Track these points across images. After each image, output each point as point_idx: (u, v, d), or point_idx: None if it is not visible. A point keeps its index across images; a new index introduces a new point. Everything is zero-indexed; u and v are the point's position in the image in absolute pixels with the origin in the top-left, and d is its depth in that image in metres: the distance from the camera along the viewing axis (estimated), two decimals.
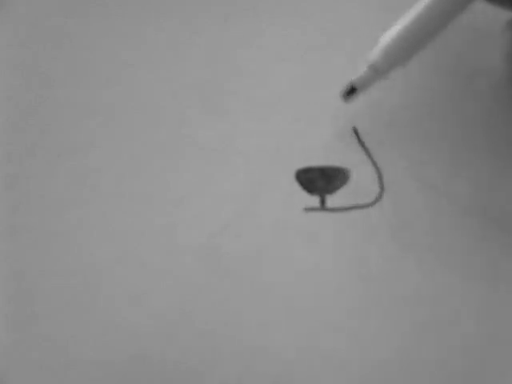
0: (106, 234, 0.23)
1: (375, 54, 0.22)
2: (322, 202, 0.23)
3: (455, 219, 0.23)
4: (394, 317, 0.21)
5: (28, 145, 0.24)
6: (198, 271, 0.22)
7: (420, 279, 0.22)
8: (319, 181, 0.23)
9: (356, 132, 0.24)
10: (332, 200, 0.23)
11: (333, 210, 0.23)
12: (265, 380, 0.21)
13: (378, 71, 0.22)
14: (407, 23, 0.21)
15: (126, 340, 0.21)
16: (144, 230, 0.23)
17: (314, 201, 0.23)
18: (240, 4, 0.26)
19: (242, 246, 0.22)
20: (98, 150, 0.24)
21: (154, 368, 0.21)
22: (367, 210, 0.23)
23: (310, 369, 0.21)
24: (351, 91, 0.23)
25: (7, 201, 0.24)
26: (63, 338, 0.21)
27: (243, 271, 0.22)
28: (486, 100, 0.24)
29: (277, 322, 0.21)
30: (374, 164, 0.24)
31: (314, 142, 0.24)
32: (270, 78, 0.25)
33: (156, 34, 0.26)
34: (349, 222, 0.23)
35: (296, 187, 0.23)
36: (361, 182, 0.23)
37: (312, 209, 0.23)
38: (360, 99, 0.23)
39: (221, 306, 0.22)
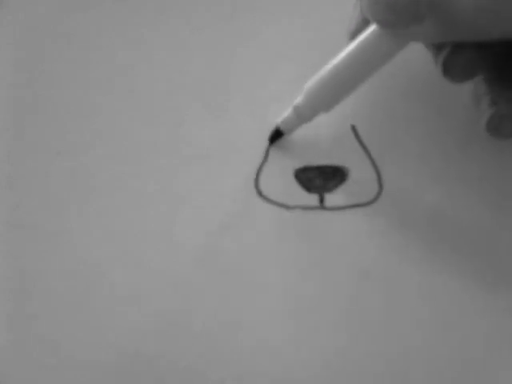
0: (105, 233, 0.23)
1: (299, 98, 0.22)
2: (321, 200, 0.23)
3: (455, 218, 0.23)
4: (393, 316, 0.21)
5: (28, 145, 0.25)
6: (196, 271, 0.22)
7: (419, 278, 0.22)
8: (318, 179, 0.23)
9: (354, 130, 0.24)
10: (331, 199, 0.23)
11: (332, 208, 0.23)
12: (264, 380, 0.21)
13: (301, 116, 0.22)
14: (331, 70, 0.21)
15: (125, 340, 0.21)
16: (143, 230, 0.23)
17: (313, 199, 0.23)
18: (240, 3, 0.26)
19: (240, 245, 0.22)
20: (97, 150, 0.24)
21: (153, 368, 0.21)
22: (366, 209, 0.23)
23: (310, 369, 0.21)
24: (277, 134, 0.23)
25: (7, 201, 0.24)
26: (62, 337, 0.21)
27: (242, 270, 0.22)
28: None
29: (276, 322, 0.21)
30: (373, 162, 0.24)
31: (312, 141, 0.24)
32: (270, 77, 0.25)
33: (155, 34, 0.26)
34: (348, 221, 0.23)
35: (295, 186, 0.23)
36: (359, 181, 0.23)
37: (311, 207, 0.23)
38: (358, 98, 0.23)
39: (220, 306, 0.22)
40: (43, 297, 0.22)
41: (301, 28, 0.26)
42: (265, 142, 0.24)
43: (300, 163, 0.24)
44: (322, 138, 0.24)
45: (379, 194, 0.23)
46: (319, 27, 0.26)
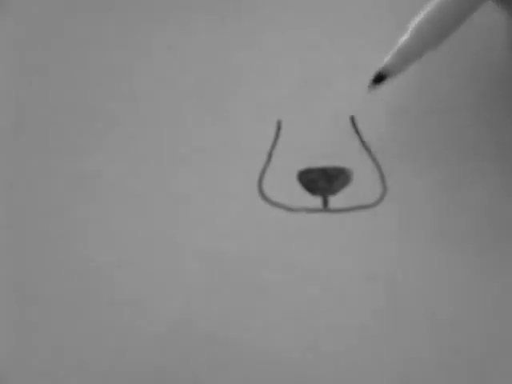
0: (106, 236, 0.23)
1: (404, 38, 0.21)
2: (325, 202, 0.23)
3: (459, 219, 0.23)
4: (398, 317, 0.21)
5: (29, 146, 0.24)
6: (199, 273, 0.22)
7: (424, 279, 0.22)
8: (321, 181, 0.23)
9: (358, 132, 0.24)
10: (334, 201, 0.23)
11: (335, 210, 0.23)
12: (269, 381, 0.21)
13: (409, 54, 0.21)
14: (438, 3, 0.20)
15: (128, 344, 0.21)
16: (145, 232, 0.23)
17: (317, 201, 0.23)
18: (239, 3, 0.26)
19: (244, 247, 0.22)
20: (98, 151, 0.24)
21: (156, 372, 0.21)
22: (370, 211, 0.23)
23: (314, 371, 0.21)
24: (379, 79, 0.21)
25: (7, 202, 0.24)
26: (64, 341, 0.21)
27: (245, 273, 0.22)
28: (489, 97, 0.24)
29: (281, 325, 0.21)
30: (377, 164, 0.23)
31: (316, 143, 0.24)
32: (270, 77, 0.25)
33: (156, 34, 0.26)
34: (352, 223, 0.23)
35: (298, 188, 0.23)
36: (363, 183, 0.23)
37: (314, 210, 0.23)
38: (362, 99, 0.23)
39: (224, 309, 0.22)
40: (44, 300, 0.22)
41: (301, 28, 0.26)
42: (268, 143, 0.24)
43: (303, 165, 0.24)
44: (325, 140, 0.24)
45: (383, 196, 0.23)
46: (319, 26, 0.26)
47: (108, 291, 0.22)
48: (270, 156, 0.24)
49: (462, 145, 0.24)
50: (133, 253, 0.22)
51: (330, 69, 0.25)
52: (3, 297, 0.22)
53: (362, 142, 0.24)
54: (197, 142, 0.24)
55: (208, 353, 0.21)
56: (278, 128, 0.24)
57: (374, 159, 0.23)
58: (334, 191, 0.23)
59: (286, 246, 0.22)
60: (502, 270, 0.22)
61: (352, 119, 0.24)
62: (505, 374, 0.21)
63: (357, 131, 0.24)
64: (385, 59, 0.21)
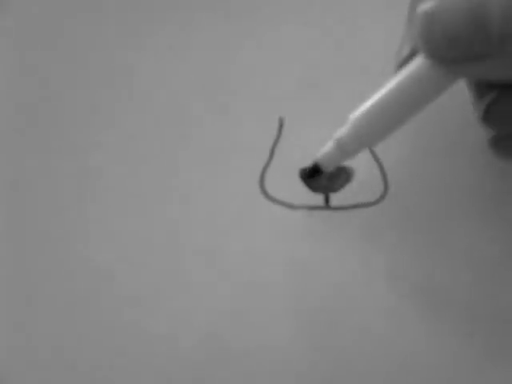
0: (107, 234, 0.23)
1: (342, 131, 0.19)
2: (326, 200, 0.23)
3: (460, 218, 0.23)
4: (397, 315, 0.21)
5: (28, 145, 0.24)
6: (201, 270, 0.22)
7: (425, 277, 0.22)
8: (323, 179, 0.23)
9: None
10: (336, 198, 0.23)
11: (337, 208, 0.23)
12: (270, 380, 0.21)
13: (345, 151, 0.20)
14: (379, 102, 0.18)
15: (128, 341, 0.21)
16: (147, 230, 0.23)
17: (318, 199, 0.23)
18: (242, 2, 0.26)
19: (246, 244, 0.23)
20: (99, 150, 0.24)
21: (156, 369, 0.21)
22: (371, 209, 0.23)
23: (314, 368, 0.21)
24: (315, 171, 0.20)
25: (8, 201, 0.24)
26: (64, 338, 0.21)
27: (247, 270, 0.22)
28: None
29: (282, 321, 0.22)
30: (378, 162, 0.23)
31: (318, 140, 0.24)
32: (272, 76, 0.25)
33: (157, 33, 0.26)
34: (353, 221, 0.23)
35: (300, 186, 0.23)
36: (365, 181, 0.23)
37: (316, 207, 0.23)
38: (363, 97, 0.23)
39: (224, 306, 0.22)
40: (44, 297, 0.22)
41: (302, 27, 0.26)
42: (270, 140, 0.24)
43: (305, 162, 0.24)
44: (327, 137, 0.24)
45: (384, 193, 0.23)
46: (320, 26, 0.26)
47: (108, 290, 0.22)
48: (272, 154, 0.24)
49: (464, 145, 0.24)
50: (133, 251, 0.23)
51: (333, 67, 0.25)
52: (3, 296, 0.22)
53: None
54: (199, 140, 0.24)
55: (209, 349, 0.21)
56: (280, 126, 0.24)
57: (375, 157, 0.23)
58: (335, 189, 0.23)
59: (288, 243, 0.23)
60: (505, 267, 0.22)
61: None
62: (505, 373, 0.21)
63: None
64: (321, 150, 0.20)
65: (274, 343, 0.21)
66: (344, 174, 0.23)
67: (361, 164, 0.23)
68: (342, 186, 0.23)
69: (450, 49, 0.15)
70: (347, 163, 0.23)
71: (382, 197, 0.23)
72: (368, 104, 0.19)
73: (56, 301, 0.22)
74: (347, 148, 0.19)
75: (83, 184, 0.24)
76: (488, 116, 0.18)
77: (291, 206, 0.23)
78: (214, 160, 0.24)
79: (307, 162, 0.24)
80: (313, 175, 0.21)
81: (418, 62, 0.17)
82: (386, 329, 0.21)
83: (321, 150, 0.20)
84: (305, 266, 0.22)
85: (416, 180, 0.23)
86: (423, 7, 0.16)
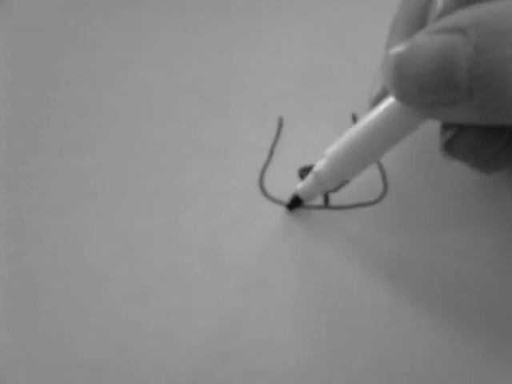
0: (107, 232, 0.23)
1: (320, 165, 0.21)
2: (326, 199, 0.23)
3: (459, 217, 0.23)
4: (398, 315, 0.21)
5: (28, 144, 0.24)
6: (200, 269, 0.22)
7: (424, 276, 0.22)
8: None
9: (355, 119, 0.24)
10: (336, 198, 0.23)
11: (336, 207, 0.23)
12: (269, 379, 0.21)
13: (323, 184, 0.21)
14: (354, 139, 0.19)
15: (128, 339, 0.21)
16: (146, 229, 0.23)
17: (318, 198, 0.23)
18: (242, 2, 0.26)
19: (245, 244, 0.22)
20: (98, 149, 0.24)
21: (156, 367, 0.21)
22: (371, 208, 0.23)
23: (314, 367, 0.21)
24: (296, 202, 0.22)
25: (8, 200, 0.23)
26: (64, 337, 0.21)
27: (246, 269, 0.22)
28: None
29: (280, 320, 0.21)
30: (378, 162, 0.23)
31: (317, 140, 0.24)
32: (272, 75, 0.25)
33: (156, 32, 0.26)
34: (353, 220, 0.23)
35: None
36: (364, 181, 0.23)
37: (315, 206, 0.23)
38: (363, 97, 0.23)
39: (223, 305, 0.22)
40: (44, 296, 0.22)
41: (301, 26, 0.26)
42: (270, 140, 0.24)
43: (305, 162, 0.24)
44: (326, 137, 0.24)
45: (384, 193, 0.23)
46: (320, 24, 0.26)
47: (108, 288, 0.22)
48: (271, 153, 0.24)
49: None
50: (134, 248, 0.22)
51: (332, 66, 0.25)
52: (2, 296, 0.22)
53: None
54: (198, 138, 0.24)
55: (208, 348, 0.21)
56: (280, 125, 0.24)
57: None
58: (334, 189, 0.23)
59: (287, 242, 0.22)
60: (504, 265, 0.22)
61: (353, 116, 0.24)
62: (505, 373, 0.21)
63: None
64: (299, 184, 0.22)
65: (274, 343, 0.21)
66: None
67: None
68: (341, 185, 0.23)
69: (419, 94, 0.15)
70: None
71: (382, 196, 0.23)
72: (342, 141, 0.20)
73: (55, 300, 0.22)
74: (324, 181, 0.21)
75: (82, 182, 0.24)
76: (449, 149, 0.18)
77: (291, 205, 0.23)
78: (213, 159, 0.24)
79: (307, 161, 0.24)
80: (293, 206, 0.22)
81: (389, 102, 0.18)
82: (386, 329, 0.21)
83: (300, 183, 0.22)
84: (304, 266, 0.22)
85: (415, 180, 0.23)
86: (395, 50, 0.16)
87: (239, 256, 0.22)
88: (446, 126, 0.19)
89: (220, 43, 0.26)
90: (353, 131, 0.19)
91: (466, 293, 0.22)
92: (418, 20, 0.19)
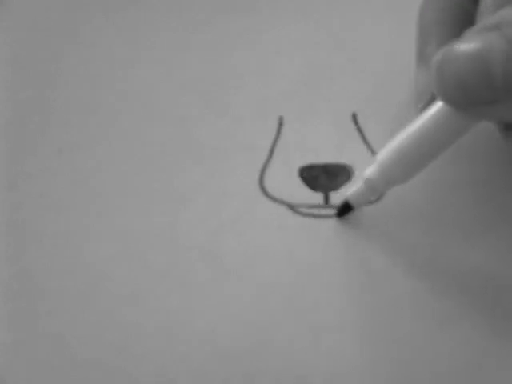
0: (107, 232, 0.23)
1: (370, 170, 0.20)
2: (326, 199, 0.23)
3: (459, 217, 0.23)
4: (396, 315, 0.21)
5: (29, 144, 0.24)
6: (200, 269, 0.22)
7: (423, 277, 0.22)
8: (322, 178, 0.23)
9: (359, 129, 0.24)
10: (336, 197, 0.23)
11: (337, 207, 0.23)
12: (269, 379, 0.21)
13: (374, 189, 0.21)
14: (404, 144, 0.19)
15: (128, 339, 0.21)
16: (146, 229, 0.23)
17: (318, 198, 0.23)
18: (241, 2, 0.26)
19: (245, 243, 0.22)
20: (99, 149, 0.24)
21: (156, 368, 0.21)
22: (371, 208, 0.23)
23: (314, 367, 0.21)
24: (346, 208, 0.22)
25: (8, 200, 0.23)
26: (64, 337, 0.21)
27: (246, 269, 0.22)
28: None
29: (281, 321, 0.21)
30: None
31: (317, 139, 0.24)
32: (272, 74, 0.25)
33: (156, 32, 0.26)
34: (353, 220, 0.23)
35: (299, 184, 0.23)
36: None
37: (316, 206, 0.23)
38: (363, 95, 0.23)
39: (223, 305, 0.22)
40: (45, 296, 0.22)
41: (301, 26, 0.26)
42: (270, 139, 0.24)
43: (305, 161, 0.24)
44: (327, 136, 0.24)
45: (383, 193, 0.23)
46: (320, 24, 0.26)
47: (108, 287, 0.22)
48: (271, 152, 0.24)
49: (467, 144, 0.24)
50: (134, 248, 0.22)
51: (332, 66, 0.25)
52: (2, 296, 0.22)
53: (364, 139, 0.24)
54: (198, 138, 0.24)
55: (208, 348, 0.21)
56: (280, 124, 0.24)
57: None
58: (335, 188, 0.23)
59: (287, 242, 0.22)
60: (503, 266, 0.22)
61: (354, 116, 0.24)
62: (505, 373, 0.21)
63: (358, 128, 0.24)
64: (350, 189, 0.22)
65: (274, 343, 0.21)
66: (343, 172, 0.23)
67: (360, 163, 0.23)
68: (341, 184, 0.23)
69: (460, 95, 0.16)
70: (347, 162, 0.24)
71: (381, 196, 0.23)
72: (393, 145, 0.19)
73: (55, 300, 0.22)
74: (376, 187, 0.21)
75: (82, 182, 0.24)
76: None
77: (291, 205, 0.23)
78: (213, 159, 0.24)
79: (307, 161, 0.24)
80: (344, 213, 0.22)
81: (438, 105, 0.18)
82: (386, 329, 0.21)
83: (350, 188, 0.22)
84: (304, 265, 0.22)
85: (416, 180, 0.23)
86: (437, 56, 0.16)
87: (239, 256, 0.22)
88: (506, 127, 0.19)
89: (220, 43, 0.26)
90: (403, 136, 0.19)
91: (467, 293, 0.22)
92: (455, 19, 0.19)
